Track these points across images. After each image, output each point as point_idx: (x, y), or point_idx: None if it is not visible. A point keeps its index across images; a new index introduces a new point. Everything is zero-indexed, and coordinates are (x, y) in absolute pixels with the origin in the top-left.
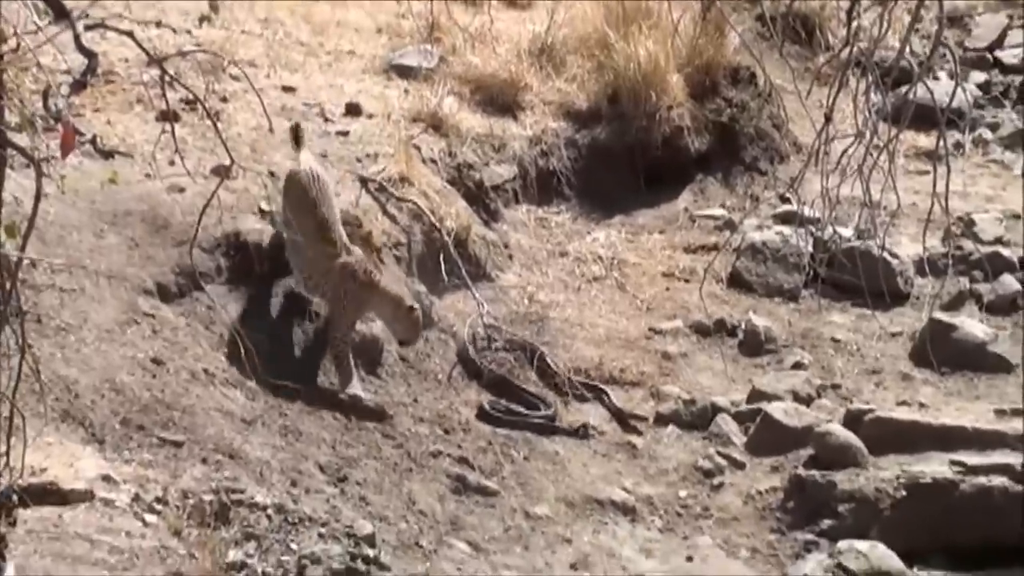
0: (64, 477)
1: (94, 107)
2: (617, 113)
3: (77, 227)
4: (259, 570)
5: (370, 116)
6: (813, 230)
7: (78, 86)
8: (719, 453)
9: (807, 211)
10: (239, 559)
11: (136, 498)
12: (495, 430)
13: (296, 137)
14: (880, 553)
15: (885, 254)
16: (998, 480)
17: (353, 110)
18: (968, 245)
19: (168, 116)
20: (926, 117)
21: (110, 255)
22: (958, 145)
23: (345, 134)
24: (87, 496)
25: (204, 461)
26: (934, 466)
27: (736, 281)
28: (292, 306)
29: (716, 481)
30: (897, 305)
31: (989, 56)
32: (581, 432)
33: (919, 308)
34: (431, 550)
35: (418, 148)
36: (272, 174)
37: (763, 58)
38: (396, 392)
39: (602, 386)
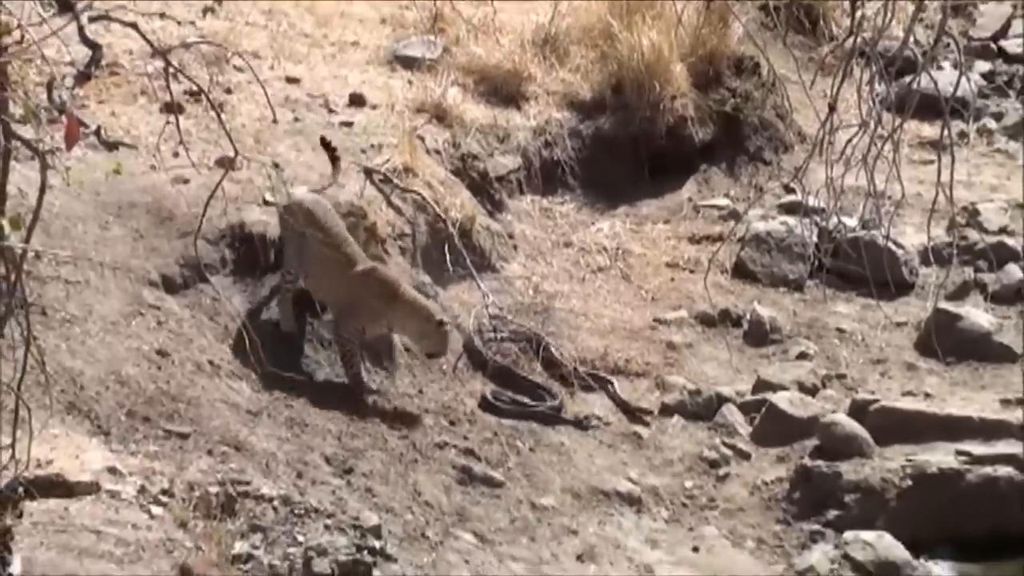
0: (70, 469)
1: (98, 99)
2: (621, 103)
3: (82, 219)
4: (265, 562)
5: (374, 107)
6: (818, 220)
7: (82, 78)
8: (725, 444)
9: (811, 201)
10: (245, 551)
11: (142, 490)
12: (500, 421)
13: (331, 157)
14: (886, 543)
15: (890, 244)
16: (1004, 470)
17: (357, 101)
18: (973, 235)
19: (172, 108)
20: (930, 107)
21: (115, 247)
22: (962, 135)
23: (349, 125)
24: (93, 488)
25: (210, 453)
26: (940, 456)
27: (741, 271)
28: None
29: (722, 472)
30: (902, 295)
31: (993, 46)
32: (584, 423)
33: (924, 298)
34: (437, 541)
35: (422, 139)
36: (276, 165)
37: (767, 48)
38: (401, 383)
39: (607, 376)
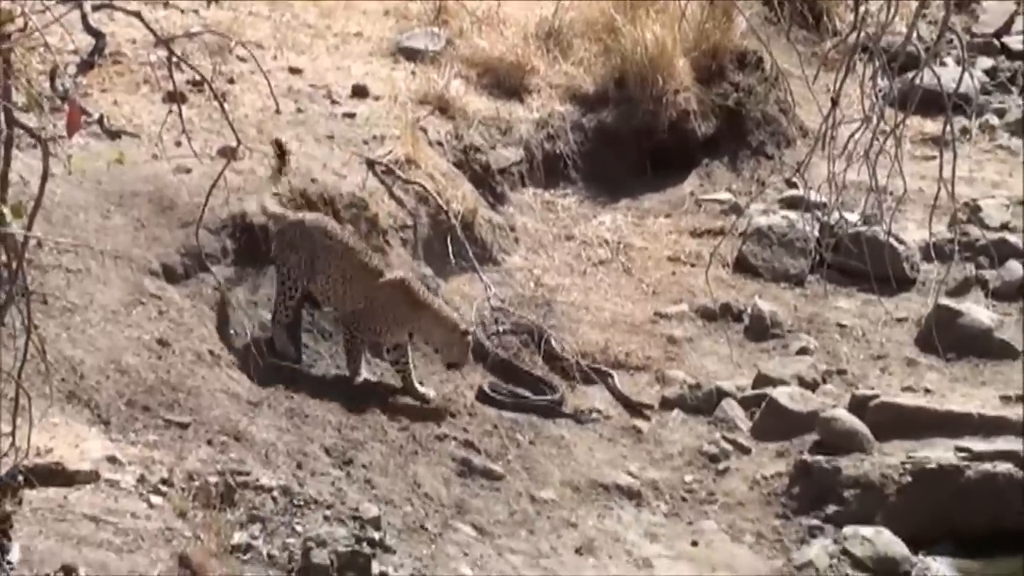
0: (70, 458)
1: (101, 87)
2: (624, 97)
3: (83, 207)
4: (264, 552)
5: (377, 98)
6: (819, 215)
7: (85, 66)
8: (724, 438)
9: (813, 196)
10: (244, 541)
11: (141, 479)
12: (501, 413)
13: (280, 155)
14: (885, 539)
15: (891, 239)
16: (1003, 466)
17: (360, 92)
18: (974, 231)
19: (175, 97)
20: (933, 102)
21: (116, 236)
22: (964, 131)
23: (352, 116)
24: (92, 477)
25: (210, 443)
26: (939, 452)
27: (742, 266)
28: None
29: (721, 466)
30: (903, 290)
31: (996, 42)
32: (583, 416)
33: (925, 294)
34: (436, 533)
35: (425, 131)
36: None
37: (770, 42)
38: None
39: (608, 370)
